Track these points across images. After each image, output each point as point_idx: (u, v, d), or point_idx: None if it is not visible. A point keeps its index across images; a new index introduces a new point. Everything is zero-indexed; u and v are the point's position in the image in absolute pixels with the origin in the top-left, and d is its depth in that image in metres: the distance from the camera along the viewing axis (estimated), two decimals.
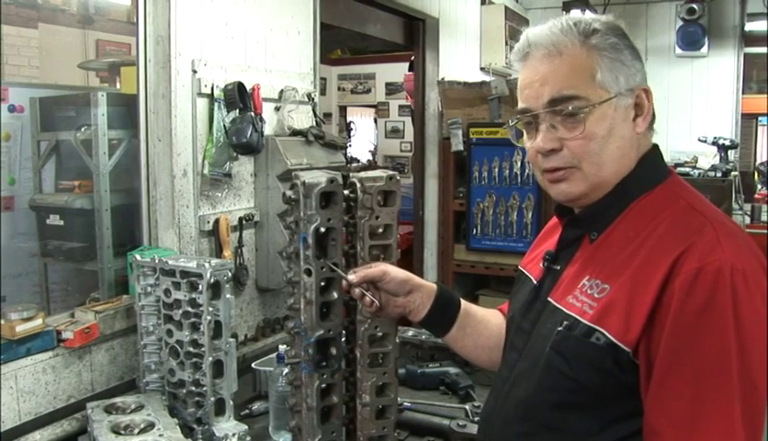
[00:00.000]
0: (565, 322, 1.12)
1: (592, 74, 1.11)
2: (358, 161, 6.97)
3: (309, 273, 1.35)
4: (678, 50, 5.35)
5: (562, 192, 1.17)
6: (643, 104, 1.15)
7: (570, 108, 1.11)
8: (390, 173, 1.41)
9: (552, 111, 1.12)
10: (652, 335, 1.02)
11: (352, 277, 1.35)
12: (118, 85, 3.01)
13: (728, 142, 4.90)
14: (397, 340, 1.44)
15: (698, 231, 1.04)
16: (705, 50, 5.35)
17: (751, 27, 5.52)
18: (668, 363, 1.00)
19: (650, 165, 1.17)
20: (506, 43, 4.72)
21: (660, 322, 1.01)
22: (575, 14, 4.72)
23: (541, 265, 1.28)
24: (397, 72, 6.64)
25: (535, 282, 1.28)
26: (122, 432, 1.73)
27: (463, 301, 1.46)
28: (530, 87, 1.15)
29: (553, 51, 1.12)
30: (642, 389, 1.04)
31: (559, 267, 1.22)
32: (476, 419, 1.90)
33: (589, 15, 1.20)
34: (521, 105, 1.18)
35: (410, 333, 2.44)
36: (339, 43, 6.97)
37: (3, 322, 1.82)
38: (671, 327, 1.00)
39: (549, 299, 1.20)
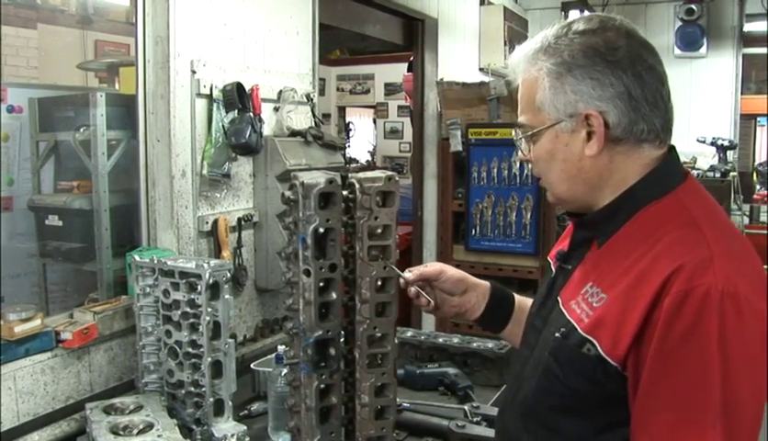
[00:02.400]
0: (562, 329, 1.12)
1: (535, 101, 1.14)
2: (357, 161, 6.96)
3: (307, 273, 1.35)
4: (677, 51, 5.36)
5: (547, 198, 1.26)
6: (593, 126, 1.10)
7: (522, 135, 1.19)
8: (389, 173, 1.41)
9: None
10: (641, 353, 1.01)
11: (408, 275, 1.40)
12: (116, 86, 3.01)
13: (726, 143, 4.91)
14: (396, 340, 1.44)
15: (692, 252, 1.01)
16: (703, 50, 5.36)
17: (749, 27, 5.54)
18: (651, 383, 1.00)
19: (661, 173, 1.13)
20: (505, 44, 4.73)
21: (647, 341, 1.00)
22: (574, 15, 4.73)
23: (555, 263, 1.29)
24: (396, 72, 6.64)
25: (551, 278, 1.29)
26: (121, 432, 1.73)
27: (517, 296, 1.51)
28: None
29: (519, 75, 1.19)
30: (630, 402, 1.04)
31: (570, 267, 1.23)
32: (475, 419, 1.90)
33: (576, 16, 1.18)
34: None
35: (409, 333, 2.44)
36: (338, 44, 6.97)
37: (2, 322, 1.82)
38: (655, 349, 0.98)
39: (558, 298, 1.20)
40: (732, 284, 0.97)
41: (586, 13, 4.69)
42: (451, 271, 1.45)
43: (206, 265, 1.85)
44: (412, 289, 1.41)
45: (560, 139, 1.13)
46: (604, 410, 1.08)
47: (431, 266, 1.45)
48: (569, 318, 1.12)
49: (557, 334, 1.12)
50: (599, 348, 1.04)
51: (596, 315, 1.07)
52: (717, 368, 0.96)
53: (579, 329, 1.09)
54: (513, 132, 1.24)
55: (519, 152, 1.24)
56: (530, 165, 1.25)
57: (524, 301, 1.49)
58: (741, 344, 0.97)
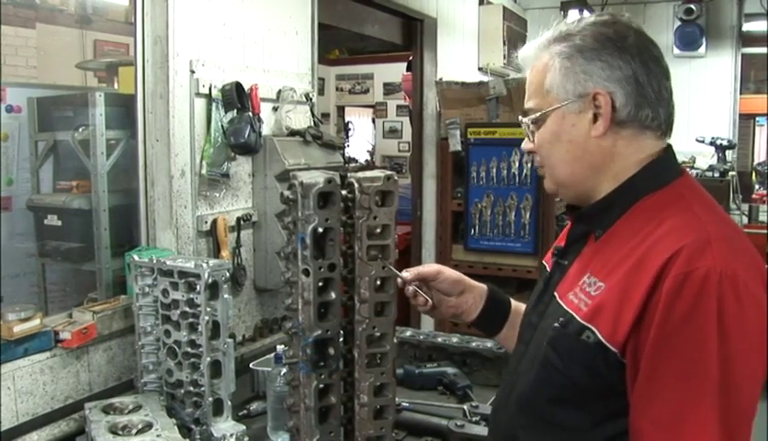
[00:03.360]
0: (561, 319, 1.13)
1: (544, 84, 1.17)
2: (356, 161, 6.97)
3: (306, 273, 1.35)
4: (676, 51, 5.36)
5: (545, 186, 1.27)
6: (600, 107, 1.13)
7: (528, 118, 1.21)
8: (388, 173, 1.41)
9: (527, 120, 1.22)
10: (640, 337, 1.02)
11: (406, 274, 1.41)
12: (115, 86, 3.00)
13: (725, 143, 4.91)
14: (395, 340, 1.44)
15: (690, 235, 1.03)
16: (702, 50, 5.36)
17: (748, 27, 5.54)
18: (652, 366, 1.01)
19: (659, 166, 1.16)
20: (504, 43, 4.73)
21: (646, 325, 1.01)
22: (573, 14, 4.73)
23: (551, 259, 1.31)
24: (395, 72, 6.64)
25: (547, 276, 1.31)
26: (120, 432, 1.72)
27: (513, 301, 1.52)
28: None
29: (529, 64, 1.22)
30: (628, 389, 1.05)
31: (566, 262, 1.25)
32: (474, 419, 1.90)
33: (585, 14, 1.21)
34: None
35: (408, 333, 2.44)
36: (337, 43, 6.97)
37: (1, 322, 1.82)
38: (656, 331, 1.00)
39: (555, 293, 1.22)
40: (730, 267, 1.00)
41: (586, 13, 4.69)
42: (449, 272, 1.46)
43: (205, 265, 1.85)
44: (410, 288, 1.42)
45: (567, 120, 1.16)
46: (602, 401, 1.09)
47: (428, 266, 1.46)
48: (567, 309, 1.14)
49: (555, 324, 1.14)
50: (598, 335, 1.06)
51: (595, 303, 1.09)
52: (715, 349, 0.97)
53: (578, 317, 1.10)
54: (520, 118, 1.25)
55: (525, 142, 1.26)
56: (531, 156, 1.27)
57: (519, 306, 1.50)
58: (739, 327, 0.99)
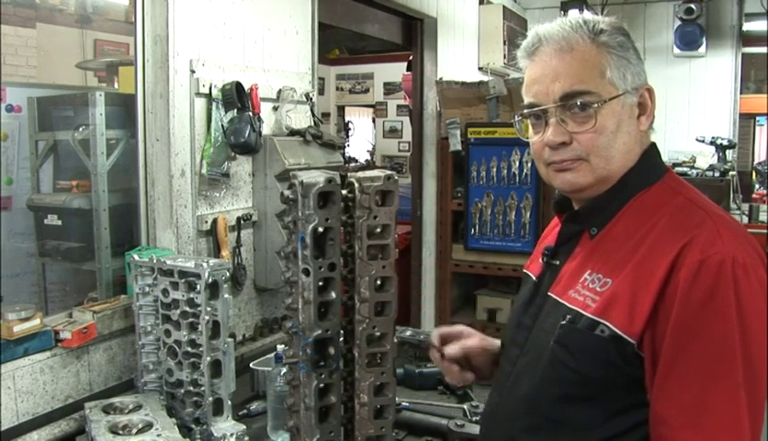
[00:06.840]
0: (568, 316, 1.14)
1: (602, 71, 1.14)
2: (356, 161, 6.97)
3: (307, 273, 1.35)
4: (676, 50, 5.35)
5: (568, 182, 1.18)
6: (646, 103, 1.17)
7: (579, 103, 1.13)
8: (388, 172, 1.41)
9: (563, 106, 1.14)
10: (657, 327, 1.04)
11: (452, 349, 1.42)
12: (116, 85, 3.01)
13: (725, 142, 4.90)
14: (395, 340, 1.44)
15: (699, 225, 1.06)
16: (703, 49, 5.35)
17: (748, 27, 5.53)
18: (673, 353, 1.02)
19: (649, 163, 1.19)
20: (504, 43, 4.73)
21: (664, 314, 1.03)
22: (573, 13, 4.73)
23: (540, 260, 1.30)
24: (395, 71, 6.64)
25: (534, 279, 1.30)
26: (120, 432, 1.73)
27: None
28: (540, 82, 1.17)
29: (564, 47, 1.15)
30: (647, 379, 1.06)
31: (558, 262, 1.25)
32: (474, 419, 1.90)
33: (593, 16, 1.21)
34: (529, 100, 1.19)
35: (408, 332, 2.44)
36: (337, 43, 6.97)
37: (1, 321, 1.82)
38: (676, 318, 1.02)
39: (550, 293, 1.22)
40: (740, 253, 1.03)
41: (587, 13, 4.68)
42: (483, 342, 1.46)
43: (205, 265, 1.85)
44: (454, 368, 1.43)
45: (625, 110, 1.16)
46: (614, 394, 1.10)
47: (470, 339, 1.46)
48: (571, 306, 1.14)
49: (563, 322, 1.14)
50: (614, 328, 1.07)
51: (605, 298, 1.10)
52: (738, 331, 1.00)
53: (586, 313, 1.11)
54: (565, 100, 1.14)
55: (556, 132, 1.15)
56: (572, 143, 1.15)
57: None
58: (754, 307, 1.02)
